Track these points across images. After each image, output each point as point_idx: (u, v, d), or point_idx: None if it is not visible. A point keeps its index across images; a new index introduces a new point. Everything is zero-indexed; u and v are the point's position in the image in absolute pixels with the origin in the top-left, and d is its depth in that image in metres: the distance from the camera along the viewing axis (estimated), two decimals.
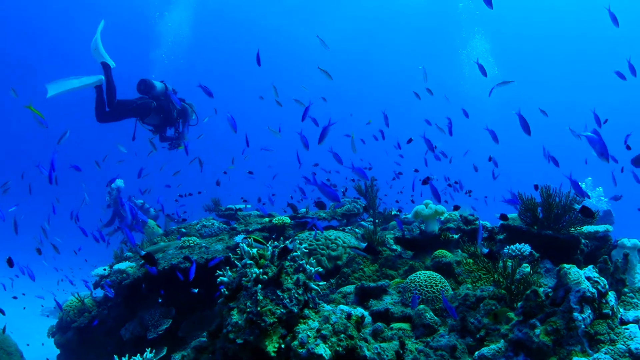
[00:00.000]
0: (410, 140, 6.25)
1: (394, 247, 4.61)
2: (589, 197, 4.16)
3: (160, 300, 5.11)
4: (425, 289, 3.60)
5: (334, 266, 4.80)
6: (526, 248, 3.80)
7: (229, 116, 5.23)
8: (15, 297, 8.52)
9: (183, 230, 6.36)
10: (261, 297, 2.49)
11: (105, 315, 6.15)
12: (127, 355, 3.50)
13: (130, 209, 7.46)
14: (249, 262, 2.69)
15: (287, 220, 5.28)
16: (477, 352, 2.76)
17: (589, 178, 7.12)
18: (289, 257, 2.76)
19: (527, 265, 3.71)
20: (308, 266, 2.74)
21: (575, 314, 2.51)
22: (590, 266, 2.72)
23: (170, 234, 6.69)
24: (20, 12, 30.71)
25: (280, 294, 2.55)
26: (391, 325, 3.42)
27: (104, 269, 5.92)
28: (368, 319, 3.51)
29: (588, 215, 2.91)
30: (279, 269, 2.59)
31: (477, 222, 4.65)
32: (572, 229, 4.13)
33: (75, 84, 5.91)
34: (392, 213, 5.50)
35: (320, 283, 2.80)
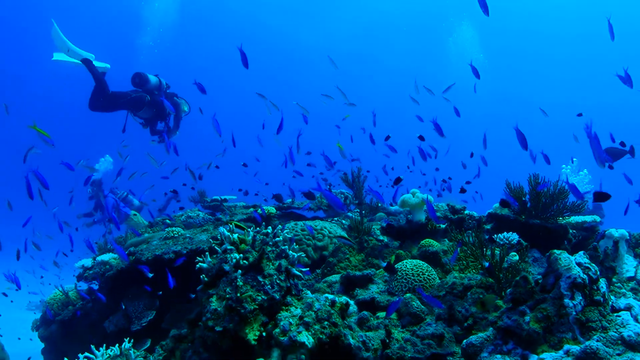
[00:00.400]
0: (387, 138, 6.13)
1: (381, 237, 4.48)
2: (585, 200, 4.06)
3: (148, 289, 4.91)
4: (412, 277, 3.48)
5: (320, 256, 4.65)
6: (514, 237, 3.69)
7: (214, 119, 5.05)
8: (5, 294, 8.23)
9: (168, 221, 6.16)
10: (241, 283, 2.34)
11: (89, 308, 5.94)
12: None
13: (110, 201, 7.22)
14: (229, 247, 2.53)
15: (273, 210, 5.12)
16: (465, 340, 2.64)
17: (575, 159, 7.01)
18: (270, 243, 2.61)
19: (515, 253, 3.61)
20: (291, 252, 2.59)
21: (566, 301, 2.40)
22: (581, 252, 2.61)
23: (155, 225, 6.49)
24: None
25: (261, 280, 2.40)
26: (377, 314, 3.29)
27: (88, 262, 5.70)
28: (354, 308, 3.37)
29: (603, 198, 2.77)
30: (259, 254, 2.43)
31: (464, 211, 4.53)
32: (561, 218, 4.04)
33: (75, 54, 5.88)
34: (379, 205, 5.37)
35: (304, 270, 2.64)
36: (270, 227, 2.67)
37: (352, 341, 2.37)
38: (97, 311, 5.76)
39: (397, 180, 4.27)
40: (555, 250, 2.53)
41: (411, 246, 4.17)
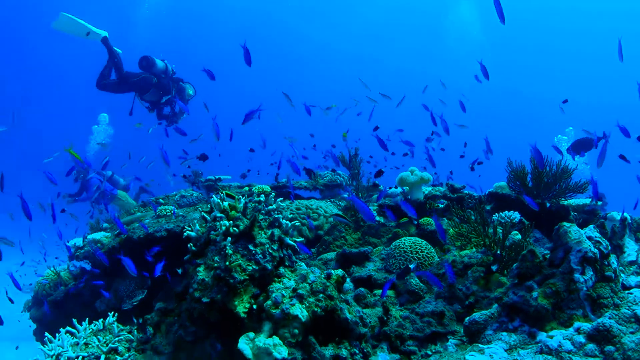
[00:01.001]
0: (376, 128, 5.91)
1: (377, 218, 4.27)
2: (603, 202, 3.86)
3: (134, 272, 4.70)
4: (411, 254, 3.28)
5: (315, 236, 4.45)
6: (516, 215, 3.50)
7: (214, 122, 4.81)
8: None
9: (161, 200, 5.92)
10: (231, 252, 2.13)
11: (81, 288, 5.73)
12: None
13: (95, 182, 6.92)
14: (219, 215, 2.31)
15: (267, 188, 4.90)
16: (467, 318, 2.45)
17: (570, 128, 6.76)
18: (263, 211, 2.39)
19: (517, 232, 3.42)
20: (284, 220, 2.37)
21: (577, 275, 2.21)
22: (592, 226, 2.42)
23: (148, 205, 6.24)
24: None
25: (252, 248, 2.18)
26: (374, 292, 3.10)
27: (80, 241, 5.47)
28: (350, 285, 3.17)
29: (584, 147, 2.58)
30: (251, 221, 2.22)
31: (464, 190, 4.33)
32: (563, 199, 3.85)
33: (84, 27, 5.88)
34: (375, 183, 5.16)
35: (298, 240, 2.43)
36: (263, 195, 2.45)
37: (348, 316, 2.17)
38: (90, 290, 5.56)
39: (379, 173, 4.07)
40: (565, 223, 2.33)
41: (409, 225, 3.97)
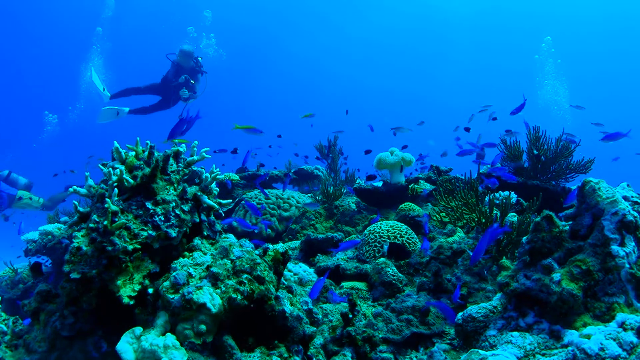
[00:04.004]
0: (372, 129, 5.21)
1: (352, 205, 3.50)
2: None
3: None
4: (388, 240, 2.49)
5: (286, 228, 3.65)
6: (512, 196, 2.73)
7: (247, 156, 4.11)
8: None
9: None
10: (115, 208, 1.33)
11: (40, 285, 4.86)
12: None
13: None
14: (117, 165, 1.53)
15: (235, 177, 4.12)
16: (460, 314, 1.66)
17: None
18: (181, 164, 1.61)
19: (514, 214, 2.65)
20: (208, 174, 1.59)
21: (614, 247, 1.43)
22: (624, 183, 1.65)
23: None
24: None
25: (150, 207, 1.39)
26: (342, 284, 2.30)
27: (35, 235, 4.64)
28: (313, 277, 2.37)
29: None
30: (152, 168, 1.43)
31: (450, 172, 3.56)
32: (563, 180, 3.10)
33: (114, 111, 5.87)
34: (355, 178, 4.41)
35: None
36: (184, 145, 1.68)
37: (288, 308, 1.37)
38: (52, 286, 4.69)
39: (371, 177, 3.35)
40: (592, 179, 1.56)
41: (388, 212, 3.19)
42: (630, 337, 1.26)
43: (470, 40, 28.62)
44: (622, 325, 1.31)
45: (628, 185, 1.69)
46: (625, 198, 1.63)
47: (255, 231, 3.36)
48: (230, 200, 1.67)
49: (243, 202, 3.50)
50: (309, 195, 4.39)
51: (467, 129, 4.14)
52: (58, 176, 6.76)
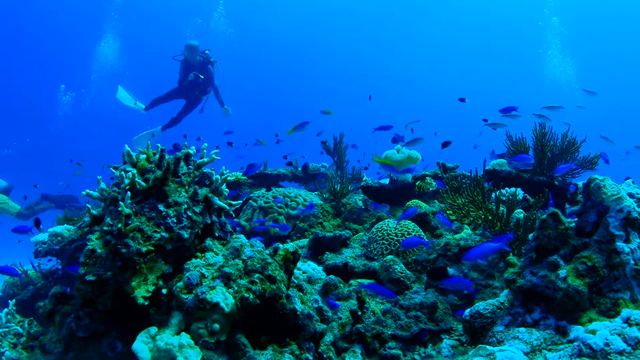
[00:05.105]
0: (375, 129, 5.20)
1: (359, 203, 3.52)
2: None
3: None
4: (396, 237, 2.52)
5: (293, 227, 3.68)
6: (519, 192, 2.74)
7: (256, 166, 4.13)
8: None
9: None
10: (129, 211, 1.37)
11: (50, 287, 4.93)
12: None
13: None
14: (129, 168, 1.57)
15: (242, 177, 4.16)
16: (467, 310, 1.68)
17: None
18: (191, 166, 1.65)
19: (521, 210, 2.66)
20: (218, 176, 1.63)
21: (620, 244, 1.45)
22: (629, 180, 1.66)
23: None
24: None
25: (163, 209, 1.43)
26: (350, 282, 2.33)
27: (45, 237, 4.72)
28: (322, 275, 2.40)
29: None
30: (163, 171, 1.47)
31: (457, 169, 3.57)
32: (570, 176, 3.10)
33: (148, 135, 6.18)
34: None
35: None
36: (193, 147, 1.71)
37: (299, 306, 1.40)
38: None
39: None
40: (597, 176, 1.57)
41: (395, 209, 3.21)
42: (635, 332, 1.27)
43: (475, 28, 28.19)
44: (627, 320, 1.32)
45: (633, 182, 1.70)
46: (630, 195, 1.64)
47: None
48: (240, 202, 1.71)
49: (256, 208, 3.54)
50: (316, 193, 4.42)
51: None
52: (47, 181, 6.84)
